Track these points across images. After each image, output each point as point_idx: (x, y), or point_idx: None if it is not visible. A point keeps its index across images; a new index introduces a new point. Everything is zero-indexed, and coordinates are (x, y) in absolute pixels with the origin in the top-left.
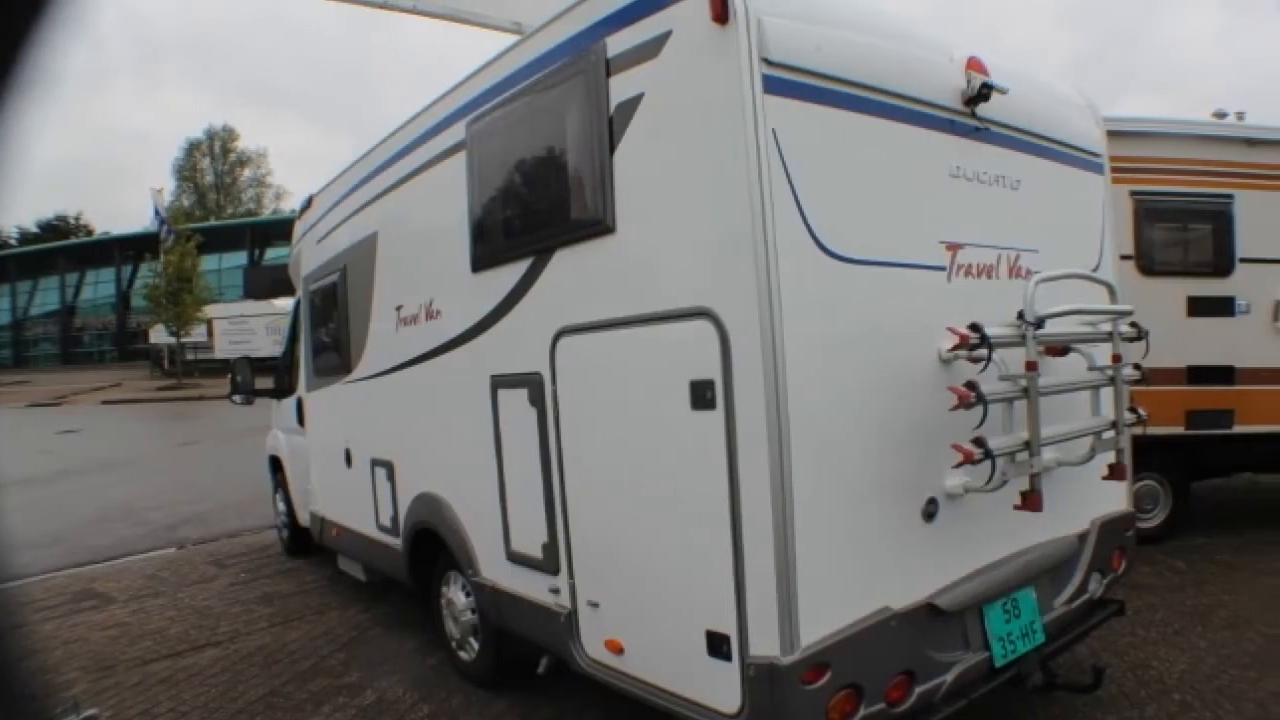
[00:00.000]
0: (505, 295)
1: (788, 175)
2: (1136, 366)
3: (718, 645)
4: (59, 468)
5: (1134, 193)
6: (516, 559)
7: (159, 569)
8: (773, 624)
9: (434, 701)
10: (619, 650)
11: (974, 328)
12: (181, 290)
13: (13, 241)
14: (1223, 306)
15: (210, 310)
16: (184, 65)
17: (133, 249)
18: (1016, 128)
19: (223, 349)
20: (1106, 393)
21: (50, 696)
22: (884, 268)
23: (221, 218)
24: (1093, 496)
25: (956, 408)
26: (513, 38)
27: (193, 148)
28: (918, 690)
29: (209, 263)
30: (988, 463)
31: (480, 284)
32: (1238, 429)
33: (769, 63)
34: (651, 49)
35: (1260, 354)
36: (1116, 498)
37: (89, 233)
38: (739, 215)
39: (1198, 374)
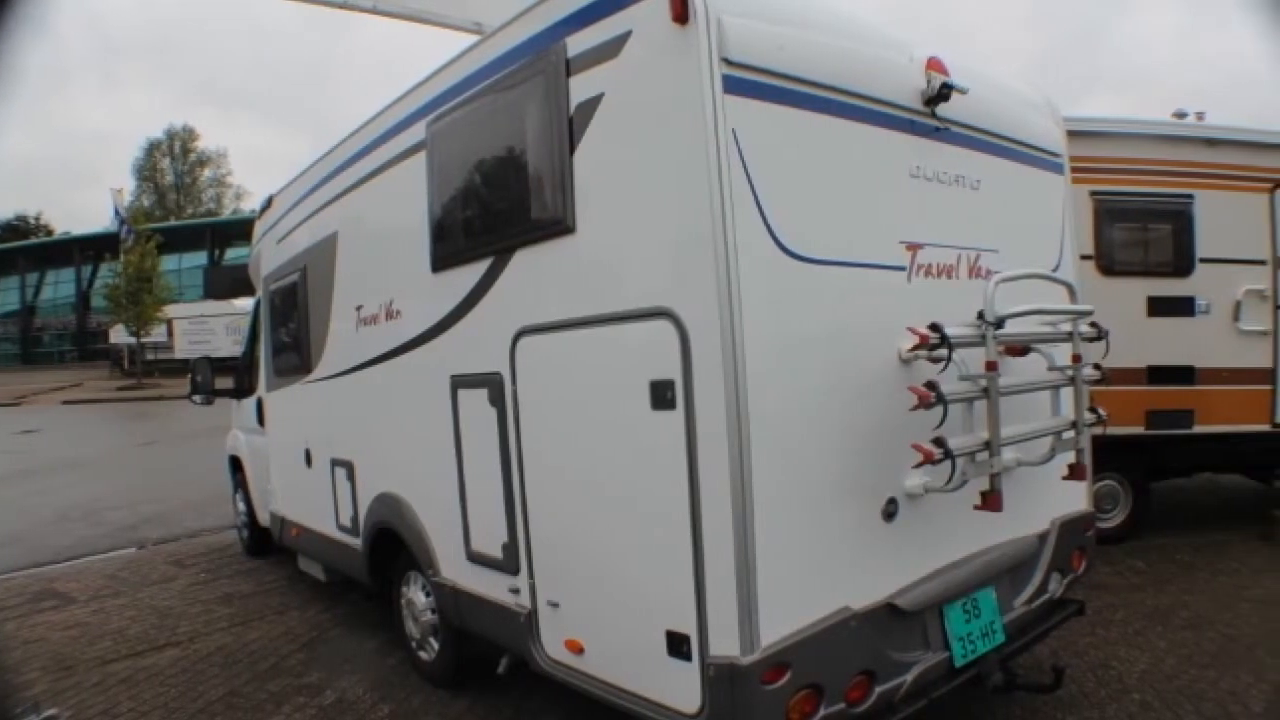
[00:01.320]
0: (465, 295)
1: (748, 175)
2: (1096, 366)
3: (678, 645)
4: (19, 468)
5: (1094, 193)
6: (476, 559)
7: (119, 569)
8: (733, 624)
9: (394, 701)
10: (579, 650)
11: (934, 328)
12: (141, 290)
13: None
14: (1183, 306)
15: (170, 310)
16: (144, 65)
17: (93, 249)
18: (977, 128)
19: (183, 349)
20: (1066, 393)
21: (10, 696)
22: (844, 268)
23: (181, 218)
24: (1053, 496)
25: (917, 408)
26: (473, 38)
27: (153, 147)
28: (878, 690)
29: (169, 263)
30: (948, 463)
31: (440, 284)
32: (1198, 429)
33: (729, 63)
34: (611, 49)
35: (1220, 354)
36: (1076, 498)
37: (49, 233)
38: (699, 215)
39: (1158, 374)
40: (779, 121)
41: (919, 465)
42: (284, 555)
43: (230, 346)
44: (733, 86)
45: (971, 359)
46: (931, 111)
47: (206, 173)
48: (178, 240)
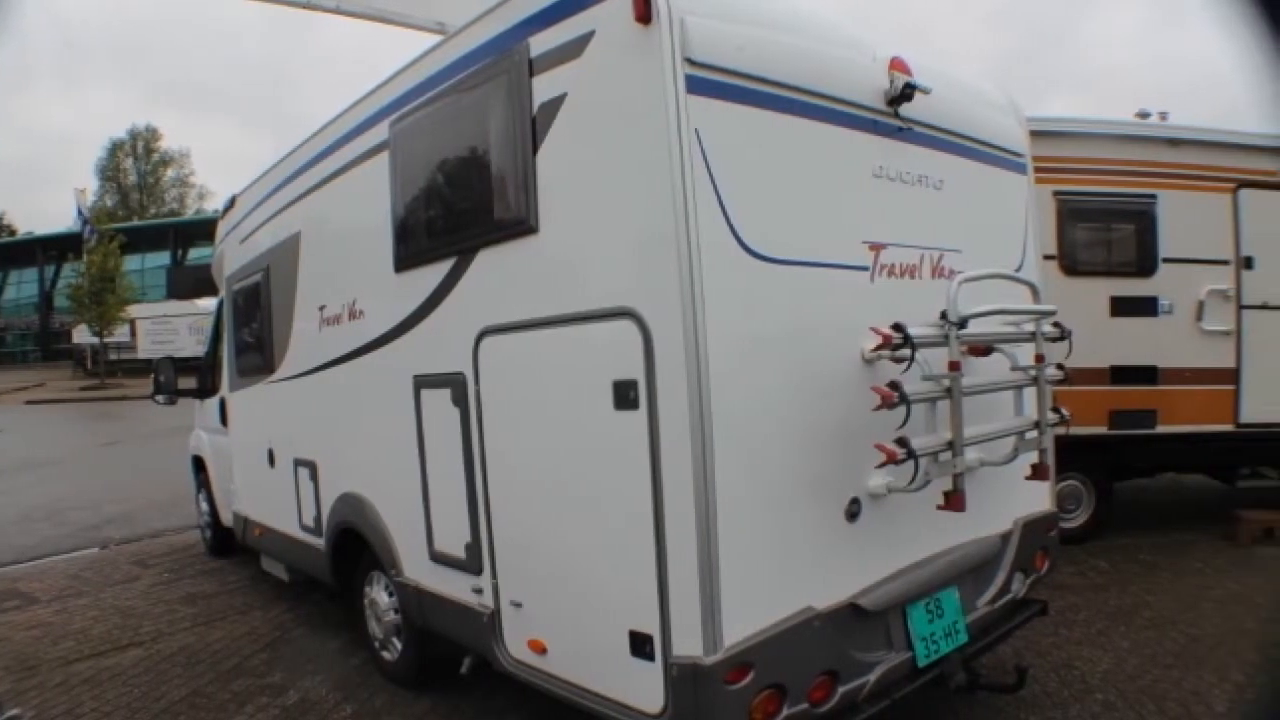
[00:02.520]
0: (428, 295)
1: (710, 175)
2: (1059, 366)
3: (640, 645)
4: None
5: (1057, 193)
6: (439, 559)
7: (82, 569)
8: (695, 624)
9: (357, 701)
10: (542, 650)
11: (897, 328)
12: (105, 290)
13: None
14: (1146, 306)
15: (133, 310)
16: (107, 65)
17: (56, 249)
18: (939, 128)
19: (146, 349)
20: (1030, 393)
21: None
22: (807, 268)
23: (145, 218)
24: (1016, 496)
25: (880, 407)
26: (436, 38)
27: (116, 148)
28: (841, 690)
29: (132, 263)
30: (911, 463)
31: (403, 284)
32: (1161, 429)
33: (692, 63)
34: (575, 49)
35: (1183, 354)
36: (1040, 498)
37: (11, 233)
38: (662, 215)
39: (1121, 374)
40: (742, 121)
41: (882, 465)
42: (247, 555)
43: (193, 346)
44: (696, 86)
45: (935, 359)
46: (894, 111)
47: (170, 173)
48: (141, 240)
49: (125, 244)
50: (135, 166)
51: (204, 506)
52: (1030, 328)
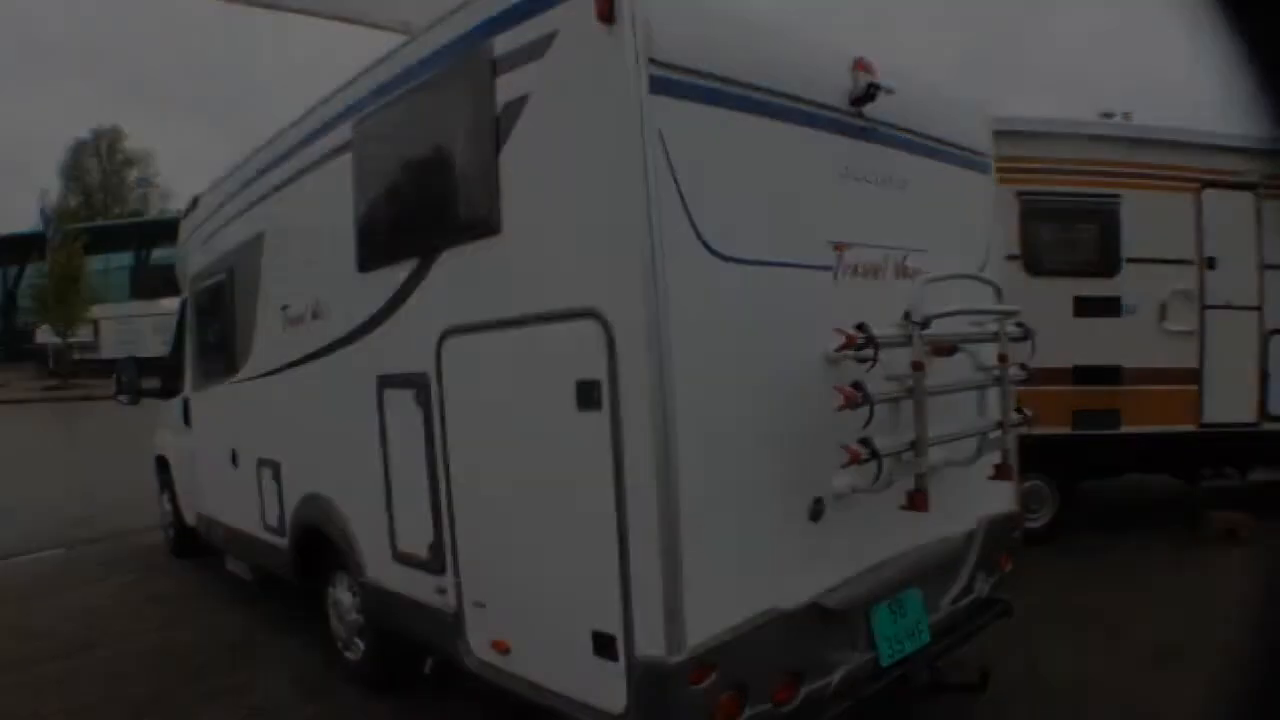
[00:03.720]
0: (391, 295)
1: (674, 176)
2: (1023, 366)
3: (604, 645)
4: None
5: (1020, 193)
6: (403, 559)
7: (47, 570)
8: (659, 624)
9: (320, 701)
10: (505, 650)
11: (860, 328)
12: (68, 290)
13: None
14: (1109, 307)
15: (97, 310)
16: (70, 65)
17: (19, 249)
18: (903, 128)
19: (109, 349)
20: (993, 393)
21: None
22: (771, 267)
23: (108, 218)
24: (979, 496)
25: (843, 408)
26: (401, 38)
27: (79, 148)
28: (804, 690)
29: (96, 263)
30: (874, 463)
31: (367, 284)
32: (1124, 429)
33: (655, 62)
34: (538, 49)
35: (1146, 354)
36: (1003, 498)
37: None
38: (625, 216)
39: (1084, 374)
40: (706, 122)
41: (846, 465)
42: (211, 555)
43: (157, 347)
44: (659, 87)
45: (898, 359)
46: (858, 111)
47: (133, 173)
48: (104, 240)
49: (89, 244)
50: (99, 167)
51: (168, 507)
52: (994, 328)
